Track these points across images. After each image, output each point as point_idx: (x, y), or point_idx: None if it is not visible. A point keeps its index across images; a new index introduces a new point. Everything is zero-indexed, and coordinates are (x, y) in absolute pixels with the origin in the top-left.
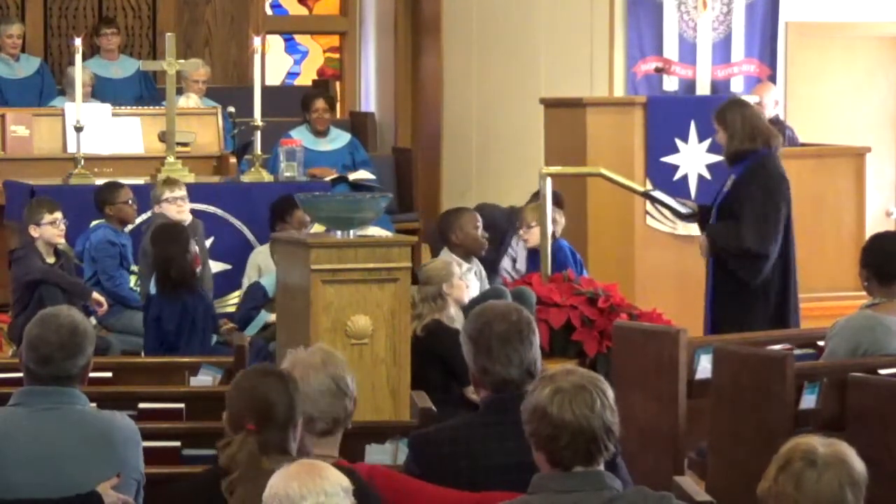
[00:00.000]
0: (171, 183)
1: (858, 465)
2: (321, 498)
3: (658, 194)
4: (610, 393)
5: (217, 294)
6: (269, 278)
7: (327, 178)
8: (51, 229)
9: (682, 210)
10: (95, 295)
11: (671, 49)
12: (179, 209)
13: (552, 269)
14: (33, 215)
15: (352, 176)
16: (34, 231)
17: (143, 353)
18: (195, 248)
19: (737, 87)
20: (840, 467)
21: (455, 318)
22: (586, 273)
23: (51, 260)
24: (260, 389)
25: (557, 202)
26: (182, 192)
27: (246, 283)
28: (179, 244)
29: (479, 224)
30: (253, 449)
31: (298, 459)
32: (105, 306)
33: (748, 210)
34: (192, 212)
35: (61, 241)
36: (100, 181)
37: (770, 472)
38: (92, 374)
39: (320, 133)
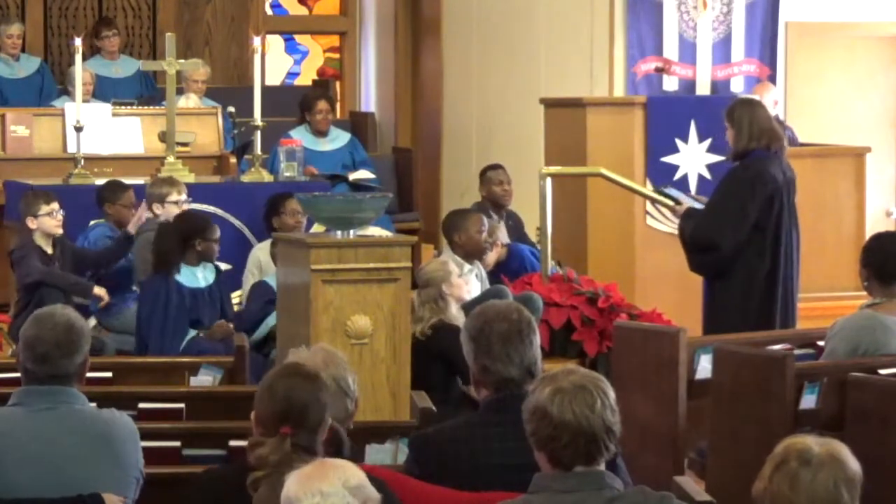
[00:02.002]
0: (174, 184)
1: (853, 464)
2: (317, 499)
3: (672, 191)
4: (611, 393)
5: None
6: (273, 278)
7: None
8: (48, 220)
9: (698, 206)
10: (97, 289)
11: (671, 49)
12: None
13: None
14: (30, 207)
15: (352, 176)
16: (31, 223)
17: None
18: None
19: (737, 87)
20: (835, 466)
21: (457, 317)
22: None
23: (49, 251)
24: (295, 393)
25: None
26: (185, 194)
27: (248, 278)
28: (183, 238)
29: (484, 228)
30: (286, 451)
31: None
32: (106, 299)
33: (709, 201)
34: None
35: (59, 232)
36: (100, 181)
37: (765, 472)
38: (91, 374)
39: (320, 133)
